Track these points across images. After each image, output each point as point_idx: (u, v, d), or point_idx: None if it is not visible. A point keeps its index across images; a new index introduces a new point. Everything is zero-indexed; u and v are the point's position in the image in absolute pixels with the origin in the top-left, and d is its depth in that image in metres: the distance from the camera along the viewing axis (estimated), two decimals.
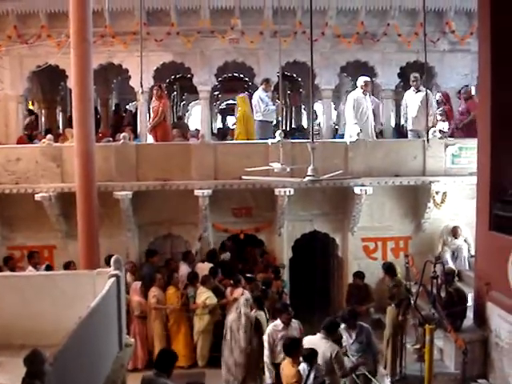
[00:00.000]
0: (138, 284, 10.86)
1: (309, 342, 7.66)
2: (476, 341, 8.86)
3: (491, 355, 8.75)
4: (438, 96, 14.01)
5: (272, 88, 13.42)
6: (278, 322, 8.60)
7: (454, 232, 12.06)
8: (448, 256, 11.93)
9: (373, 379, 8.00)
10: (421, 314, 7.05)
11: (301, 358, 7.23)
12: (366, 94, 12.68)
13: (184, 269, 11.38)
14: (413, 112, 12.77)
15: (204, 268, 11.24)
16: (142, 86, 12.20)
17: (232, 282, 10.69)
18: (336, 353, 7.53)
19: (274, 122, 13.29)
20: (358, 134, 11.85)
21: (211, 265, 11.27)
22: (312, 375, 7.07)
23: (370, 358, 8.29)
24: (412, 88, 13.05)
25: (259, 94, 12.86)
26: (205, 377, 10.19)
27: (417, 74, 12.83)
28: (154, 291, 10.61)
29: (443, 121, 13.26)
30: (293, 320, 8.70)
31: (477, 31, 9.87)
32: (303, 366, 7.19)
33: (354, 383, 8.08)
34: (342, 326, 8.32)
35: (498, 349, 8.56)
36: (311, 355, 7.25)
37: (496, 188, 8.77)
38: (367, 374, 7.97)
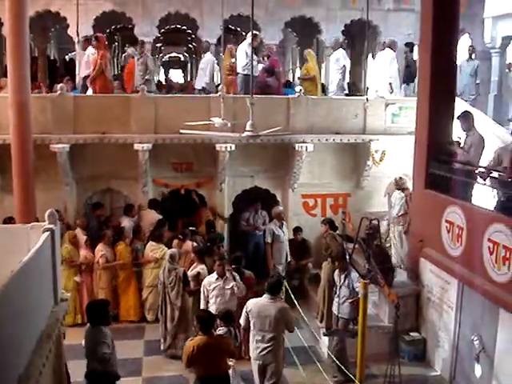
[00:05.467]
0: (84, 238, 10.78)
1: (255, 303, 7.53)
2: (409, 295, 9.19)
3: (423, 309, 9.08)
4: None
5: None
6: (214, 273, 8.77)
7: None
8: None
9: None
10: (356, 269, 7.20)
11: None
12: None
13: (126, 222, 11.32)
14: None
15: (148, 215, 11.33)
16: (78, 35, 11.81)
17: (180, 236, 10.80)
18: (286, 311, 7.54)
19: None
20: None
21: (154, 211, 11.37)
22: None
23: None
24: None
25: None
26: (144, 331, 10.34)
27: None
28: (101, 250, 10.48)
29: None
30: (234, 273, 8.80)
31: None
32: (223, 331, 7.57)
33: None
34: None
35: (429, 303, 8.90)
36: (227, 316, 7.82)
37: (433, 147, 8.97)
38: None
